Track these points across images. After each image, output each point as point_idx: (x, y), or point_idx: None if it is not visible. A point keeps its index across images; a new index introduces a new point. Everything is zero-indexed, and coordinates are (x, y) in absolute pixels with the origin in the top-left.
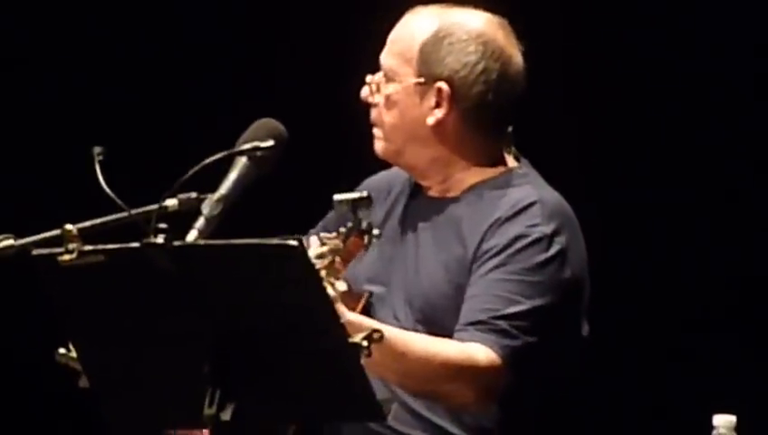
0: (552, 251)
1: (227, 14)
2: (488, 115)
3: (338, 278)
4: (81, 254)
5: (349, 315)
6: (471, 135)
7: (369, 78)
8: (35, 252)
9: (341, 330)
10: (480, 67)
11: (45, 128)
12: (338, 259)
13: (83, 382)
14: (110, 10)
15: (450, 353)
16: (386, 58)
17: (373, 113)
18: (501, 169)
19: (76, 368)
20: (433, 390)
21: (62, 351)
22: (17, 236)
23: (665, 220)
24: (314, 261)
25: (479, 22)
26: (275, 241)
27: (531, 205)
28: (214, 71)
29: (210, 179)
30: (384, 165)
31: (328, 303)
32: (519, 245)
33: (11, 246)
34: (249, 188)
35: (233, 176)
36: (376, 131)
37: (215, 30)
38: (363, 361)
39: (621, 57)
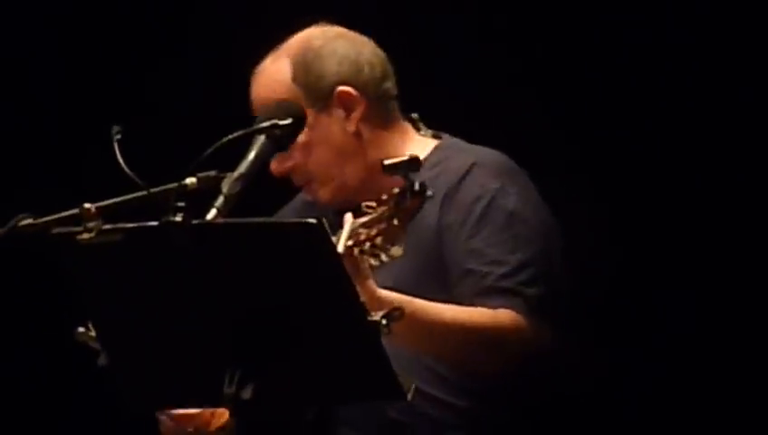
0: (513, 202)
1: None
2: (386, 101)
3: (393, 244)
4: (101, 232)
5: (380, 292)
6: (384, 125)
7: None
8: (55, 231)
9: (361, 308)
10: (352, 57)
11: (63, 107)
12: (395, 222)
13: (102, 361)
14: None
15: (482, 320)
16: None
17: (297, 175)
18: (425, 149)
19: (95, 347)
20: (469, 357)
21: (81, 329)
22: (36, 216)
23: (728, 214)
24: (361, 230)
25: (313, 32)
26: (294, 219)
27: (471, 167)
28: (230, 49)
29: (229, 158)
30: None
31: (347, 281)
32: (480, 206)
33: (30, 225)
34: (268, 166)
35: (252, 154)
36: (312, 187)
37: (228, 13)
38: (393, 333)
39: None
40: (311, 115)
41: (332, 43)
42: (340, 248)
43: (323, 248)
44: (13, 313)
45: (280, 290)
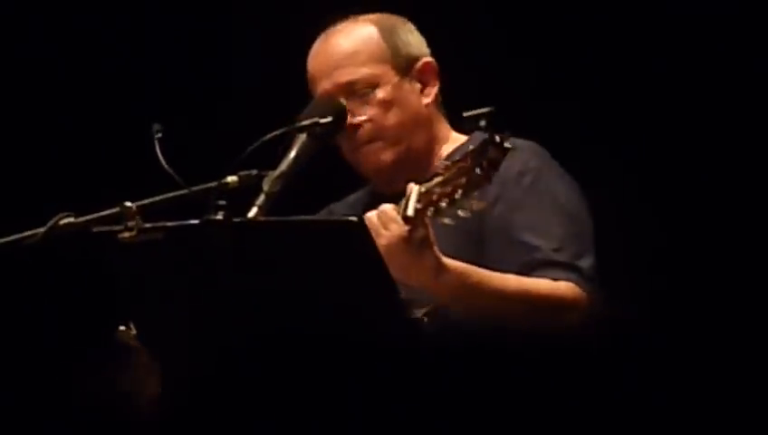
0: (554, 179)
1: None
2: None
3: (475, 197)
4: (141, 231)
5: (445, 260)
6: (439, 107)
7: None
8: (95, 229)
9: (401, 307)
10: (424, 40)
11: (105, 105)
12: (478, 171)
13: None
14: None
15: (545, 290)
16: (355, 71)
17: (367, 129)
18: (463, 136)
19: (136, 346)
20: (531, 326)
21: (122, 328)
22: (77, 214)
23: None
24: (435, 190)
25: (387, 15)
26: (336, 218)
27: (512, 150)
28: (272, 48)
29: (269, 155)
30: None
31: (388, 279)
32: (525, 182)
33: (71, 224)
34: (309, 164)
35: (293, 153)
36: (376, 145)
37: (268, 7)
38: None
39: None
40: (393, 76)
41: (408, 24)
42: (410, 212)
43: (365, 246)
44: (51, 312)
45: (321, 288)
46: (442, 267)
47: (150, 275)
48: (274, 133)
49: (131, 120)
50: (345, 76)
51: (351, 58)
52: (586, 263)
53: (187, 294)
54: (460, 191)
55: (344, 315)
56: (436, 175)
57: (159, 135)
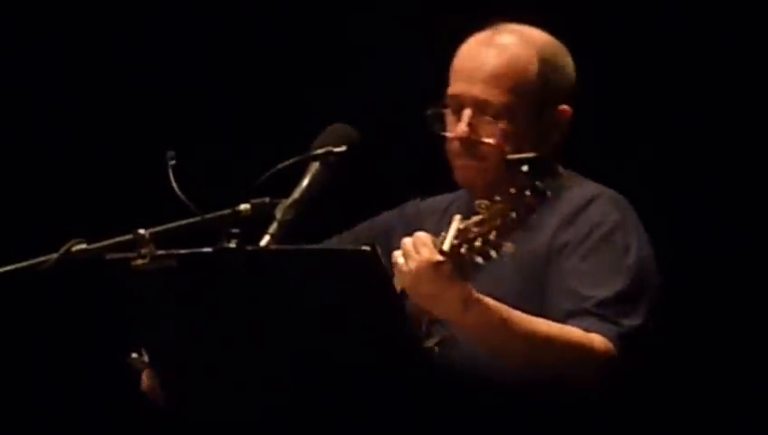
0: (630, 236)
1: (303, 18)
2: None
3: (506, 240)
4: (154, 258)
5: (477, 295)
6: (558, 153)
7: (467, 115)
8: (109, 256)
9: (412, 336)
10: (575, 81)
11: (118, 132)
12: (512, 215)
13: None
14: (191, 8)
15: (574, 338)
16: (495, 94)
17: (484, 150)
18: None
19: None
20: (554, 371)
21: (134, 355)
22: (90, 241)
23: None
24: (473, 229)
25: (555, 40)
26: (348, 247)
27: (595, 197)
28: (287, 76)
29: (283, 184)
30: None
31: (399, 309)
32: (599, 233)
33: (84, 250)
34: (323, 192)
35: (306, 181)
36: (481, 164)
37: (286, 34)
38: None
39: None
40: (529, 112)
41: (569, 59)
42: (446, 247)
43: (376, 275)
44: (66, 337)
45: (332, 316)
46: (471, 301)
47: (163, 302)
48: (288, 162)
49: (145, 147)
50: (483, 94)
51: (498, 80)
52: (630, 322)
53: (200, 322)
54: (494, 233)
55: (355, 344)
56: (477, 213)
57: (173, 162)
